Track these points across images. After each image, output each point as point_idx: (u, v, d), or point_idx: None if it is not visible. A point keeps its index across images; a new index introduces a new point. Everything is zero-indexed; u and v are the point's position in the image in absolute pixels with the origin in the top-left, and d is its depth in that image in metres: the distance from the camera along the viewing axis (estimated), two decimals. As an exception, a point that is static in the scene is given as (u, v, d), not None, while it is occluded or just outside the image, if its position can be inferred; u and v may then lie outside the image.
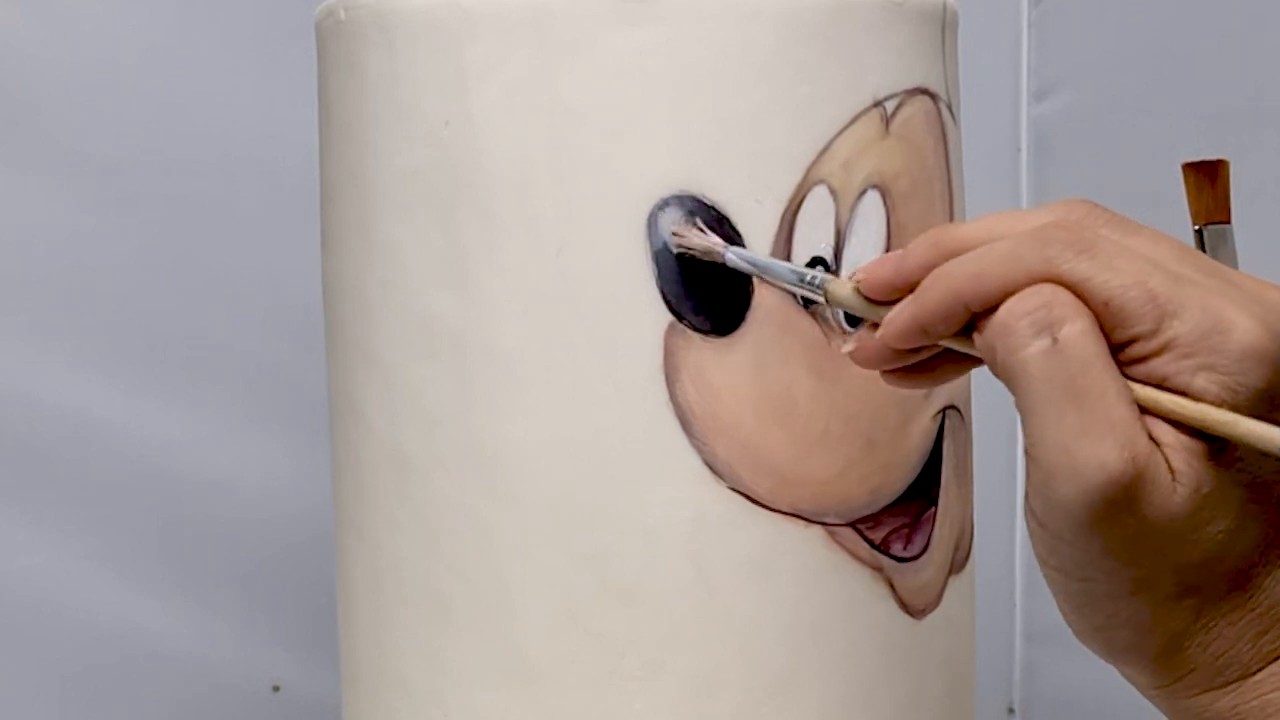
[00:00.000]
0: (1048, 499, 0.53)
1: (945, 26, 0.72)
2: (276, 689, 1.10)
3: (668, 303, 0.64)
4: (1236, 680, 0.54)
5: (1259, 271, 0.86)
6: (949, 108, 0.71)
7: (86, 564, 1.07)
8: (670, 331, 0.64)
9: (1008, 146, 1.23)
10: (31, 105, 1.05)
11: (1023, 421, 0.54)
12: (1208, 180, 0.84)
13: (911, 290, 0.57)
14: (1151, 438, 0.52)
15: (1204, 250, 0.84)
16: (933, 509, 0.69)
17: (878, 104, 0.67)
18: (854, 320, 0.66)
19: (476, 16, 0.64)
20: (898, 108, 0.68)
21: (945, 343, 0.56)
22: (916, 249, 0.58)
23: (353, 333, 0.70)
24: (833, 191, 0.66)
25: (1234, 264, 0.85)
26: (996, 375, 0.55)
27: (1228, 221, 0.85)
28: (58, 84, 1.05)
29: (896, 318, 0.57)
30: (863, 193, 0.66)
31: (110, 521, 1.07)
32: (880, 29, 0.67)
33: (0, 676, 1.06)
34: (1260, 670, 0.54)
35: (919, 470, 0.68)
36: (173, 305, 1.07)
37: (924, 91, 0.69)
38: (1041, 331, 0.52)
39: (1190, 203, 0.85)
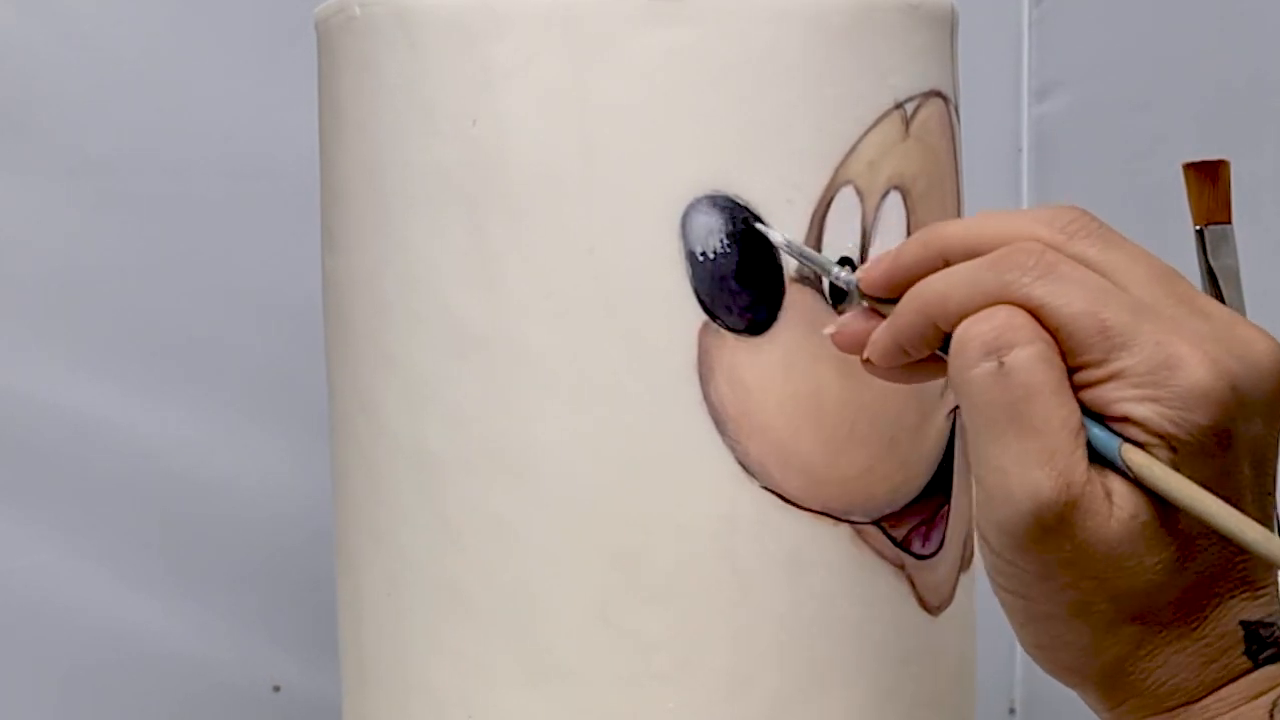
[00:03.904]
0: (987, 518, 0.54)
1: (952, 29, 0.72)
2: (276, 689, 1.10)
3: (701, 302, 0.64)
4: (1182, 705, 0.54)
5: (1259, 270, 0.87)
6: (955, 109, 0.72)
7: (86, 564, 1.06)
8: (704, 331, 0.64)
9: (1008, 146, 1.22)
10: (31, 105, 1.04)
11: (968, 441, 0.54)
12: (1208, 181, 0.85)
13: (906, 288, 0.58)
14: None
15: (1205, 251, 0.85)
16: (946, 506, 0.69)
17: (898, 106, 0.67)
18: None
19: (503, 15, 0.64)
20: (916, 110, 0.68)
21: (939, 352, 0.57)
22: (907, 248, 0.59)
23: (367, 332, 0.69)
24: (859, 192, 0.66)
25: (1235, 264, 0.85)
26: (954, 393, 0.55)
27: (1229, 222, 0.85)
28: (57, 84, 1.04)
29: (878, 340, 0.59)
30: (885, 194, 0.67)
31: (110, 521, 1.06)
32: (899, 32, 0.68)
33: None
34: (1206, 696, 0.54)
35: (935, 468, 0.69)
36: (172, 305, 1.07)
37: (938, 94, 0.70)
38: (989, 354, 0.53)
39: (1191, 203, 0.85)
